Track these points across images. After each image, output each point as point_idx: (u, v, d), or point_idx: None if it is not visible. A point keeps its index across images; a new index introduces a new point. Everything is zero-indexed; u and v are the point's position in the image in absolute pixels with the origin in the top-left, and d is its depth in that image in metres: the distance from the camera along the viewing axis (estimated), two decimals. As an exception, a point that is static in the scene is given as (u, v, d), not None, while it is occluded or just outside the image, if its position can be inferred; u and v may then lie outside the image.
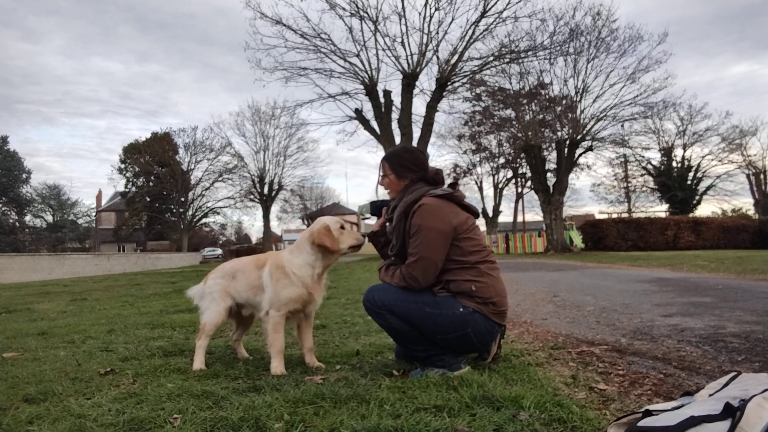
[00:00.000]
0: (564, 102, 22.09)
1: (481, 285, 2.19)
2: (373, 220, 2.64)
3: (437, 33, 18.44)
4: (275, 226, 54.43)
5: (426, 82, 44.39)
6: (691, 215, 27.35)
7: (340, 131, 32.35)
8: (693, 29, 66.43)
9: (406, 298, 2.18)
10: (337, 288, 7.08)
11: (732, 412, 1.20)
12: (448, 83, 19.24)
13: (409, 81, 18.78)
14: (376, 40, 18.56)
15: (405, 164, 2.37)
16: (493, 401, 1.76)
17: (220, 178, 39.57)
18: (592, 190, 37.15)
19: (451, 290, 2.20)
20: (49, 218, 54.47)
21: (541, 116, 22.36)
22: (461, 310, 2.16)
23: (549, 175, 23.21)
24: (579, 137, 21.93)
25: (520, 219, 39.14)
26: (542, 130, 21.99)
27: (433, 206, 2.20)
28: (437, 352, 2.21)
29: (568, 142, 21.92)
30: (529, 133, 21.32)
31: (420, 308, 2.16)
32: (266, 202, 37.09)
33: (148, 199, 41.62)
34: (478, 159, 33.34)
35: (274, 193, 37.30)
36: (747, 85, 67.59)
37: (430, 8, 17.93)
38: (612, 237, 22.10)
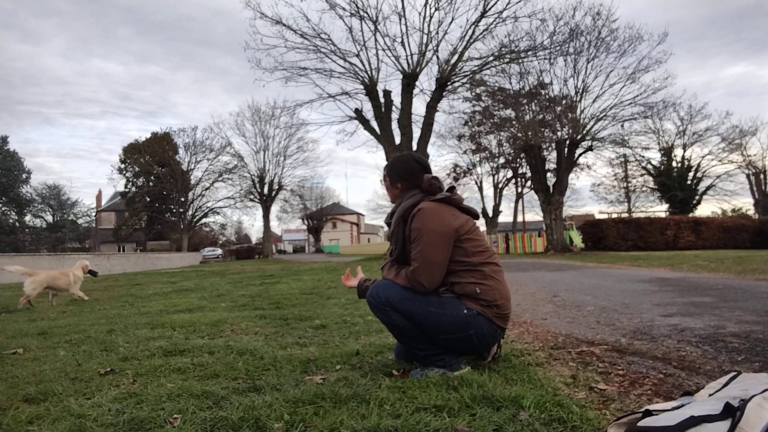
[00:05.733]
0: (564, 102, 22.07)
1: (486, 288, 2.19)
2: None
3: (437, 33, 18.44)
4: (275, 226, 54.61)
5: (426, 82, 44.56)
6: (691, 215, 27.32)
7: (340, 131, 32.51)
8: (689, 31, 66.77)
9: (410, 296, 2.19)
10: (336, 288, 7.08)
11: (732, 412, 1.20)
12: (448, 83, 19.21)
13: (409, 81, 18.76)
14: (376, 40, 18.56)
15: (397, 172, 2.42)
16: (493, 401, 1.77)
17: (220, 178, 39.61)
18: (592, 190, 37.18)
19: (456, 292, 2.21)
20: (49, 218, 54.54)
21: (541, 116, 22.34)
22: (465, 311, 2.16)
23: (549, 175, 23.20)
24: (579, 137, 21.92)
25: (520, 219, 39.13)
26: (542, 130, 21.96)
27: (431, 209, 2.21)
28: (438, 352, 2.22)
29: (568, 142, 21.90)
30: (529, 133, 21.31)
31: (424, 307, 2.17)
32: (266, 202, 37.10)
33: (148, 199, 41.63)
34: (478, 159, 33.33)
35: (274, 193, 37.31)
36: (743, 87, 68.00)
37: (430, 8, 17.93)
38: (612, 237, 22.08)
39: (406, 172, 2.39)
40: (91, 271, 6.74)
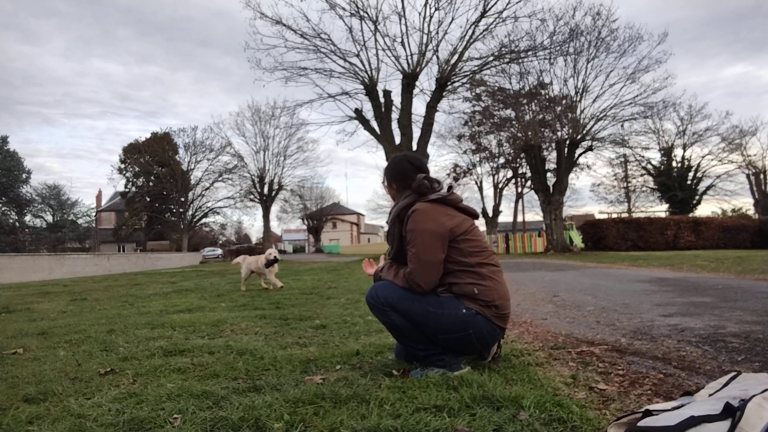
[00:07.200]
0: (564, 102, 22.08)
1: (484, 288, 2.19)
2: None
3: (437, 33, 18.43)
4: (275, 226, 54.60)
5: (426, 82, 44.58)
6: (691, 215, 27.33)
7: (340, 131, 32.48)
8: (688, 31, 66.88)
9: (409, 296, 2.19)
10: (336, 288, 7.08)
11: (732, 412, 1.20)
12: (448, 83, 19.20)
13: (409, 81, 18.75)
14: (376, 40, 18.55)
15: (391, 173, 2.46)
16: (493, 401, 1.77)
17: (220, 178, 39.59)
18: (592, 190, 37.18)
19: (454, 292, 2.21)
20: (49, 218, 54.52)
21: (541, 116, 22.34)
22: (464, 311, 2.16)
23: (549, 175, 23.21)
24: (579, 137, 21.92)
25: (520, 219, 39.14)
26: (542, 130, 21.97)
27: (425, 210, 2.22)
28: (438, 352, 2.22)
29: (568, 142, 21.91)
30: (529, 133, 21.31)
31: (423, 307, 2.17)
32: (266, 202, 37.09)
33: (148, 199, 41.61)
34: (478, 159, 33.31)
35: (274, 193, 37.31)
36: (742, 87, 68.08)
37: (430, 8, 17.92)
38: (612, 237, 22.08)
39: (400, 173, 2.42)
40: (275, 258, 7.12)
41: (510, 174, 35.42)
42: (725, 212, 33.68)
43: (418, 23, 28.74)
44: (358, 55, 18.93)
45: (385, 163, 2.65)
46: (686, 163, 32.51)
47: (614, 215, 30.24)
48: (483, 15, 17.90)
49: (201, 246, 47.45)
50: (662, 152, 32.76)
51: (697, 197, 32.05)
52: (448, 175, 33.71)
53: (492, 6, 17.70)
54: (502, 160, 32.69)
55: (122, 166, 42.33)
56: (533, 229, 37.79)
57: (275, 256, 7.07)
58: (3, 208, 48.85)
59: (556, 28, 19.55)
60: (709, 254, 14.94)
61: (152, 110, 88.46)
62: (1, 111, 73.36)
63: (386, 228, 2.52)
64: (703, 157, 32.43)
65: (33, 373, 2.46)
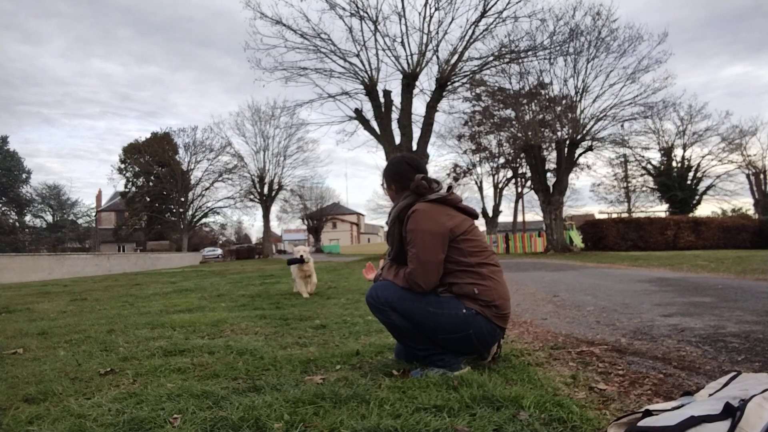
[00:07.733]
0: (564, 102, 22.07)
1: (484, 288, 2.19)
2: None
3: (437, 33, 18.42)
4: (275, 226, 54.60)
5: (426, 82, 44.57)
6: (691, 215, 27.34)
7: (340, 131, 32.51)
8: (688, 31, 66.94)
9: (409, 296, 2.19)
10: (336, 288, 7.08)
11: (732, 412, 1.20)
12: (448, 83, 19.19)
13: (409, 81, 18.75)
14: (376, 40, 18.55)
15: (389, 174, 2.46)
16: (493, 401, 1.77)
17: (220, 178, 39.64)
18: (592, 190, 37.18)
19: (454, 292, 2.21)
20: (49, 218, 54.51)
21: (541, 116, 22.33)
22: (464, 311, 2.16)
23: (549, 175, 23.20)
24: (579, 137, 21.91)
25: (520, 219, 39.12)
26: (542, 130, 21.96)
27: (425, 210, 2.22)
28: (438, 352, 2.22)
29: (568, 142, 21.90)
30: (529, 133, 21.30)
31: (423, 307, 2.17)
32: (266, 202, 37.13)
33: (148, 199, 41.63)
34: (478, 159, 33.28)
35: (274, 193, 37.35)
36: (742, 87, 68.12)
37: (430, 8, 17.91)
38: (612, 237, 22.08)
39: (398, 174, 2.42)
40: (301, 256, 5.95)
41: (510, 174, 35.41)
42: (725, 212, 33.69)
43: (418, 23, 28.77)
44: (358, 55, 18.93)
45: (385, 164, 2.64)
46: (686, 163, 32.53)
47: (614, 215, 30.24)
48: (483, 15, 17.90)
49: (201, 246, 47.49)
50: (662, 152, 32.78)
51: (697, 197, 32.06)
52: (448, 175, 33.71)
53: (492, 6, 17.71)
54: (502, 160, 32.67)
55: (122, 166, 42.36)
56: (533, 229, 37.78)
57: (302, 255, 5.89)
58: (3, 208, 48.86)
59: (556, 28, 19.57)
60: (709, 254, 14.94)
61: (152, 110, 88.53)
62: (1, 111, 73.41)
63: (386, 228, 2.53)
64: (703, 157, 32.49)
65: (33, 373, 2.45)
